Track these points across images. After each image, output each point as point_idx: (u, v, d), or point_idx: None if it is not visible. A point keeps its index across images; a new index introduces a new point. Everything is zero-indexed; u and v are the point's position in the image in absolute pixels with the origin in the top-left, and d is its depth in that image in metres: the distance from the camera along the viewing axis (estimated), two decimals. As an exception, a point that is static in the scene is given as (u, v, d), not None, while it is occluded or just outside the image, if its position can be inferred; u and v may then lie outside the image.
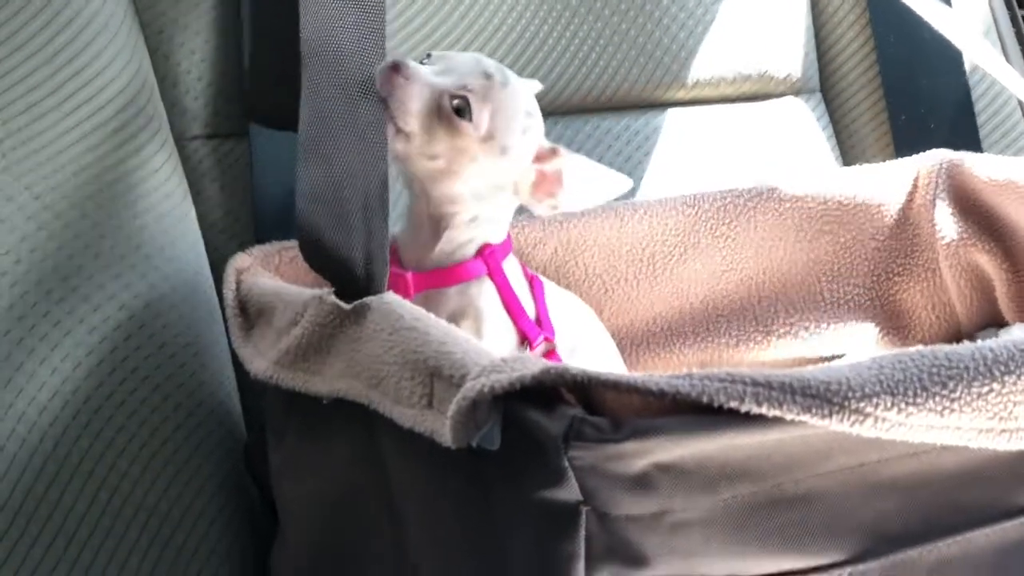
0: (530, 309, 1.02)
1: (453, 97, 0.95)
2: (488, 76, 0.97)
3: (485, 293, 1.02)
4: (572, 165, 1.01)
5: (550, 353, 1.01)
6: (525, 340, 1.00)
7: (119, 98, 1.13)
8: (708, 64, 1.45)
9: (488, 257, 1.01)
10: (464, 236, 1.00)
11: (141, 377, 1.06)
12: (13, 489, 0.98)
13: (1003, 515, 0.73)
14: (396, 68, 0.94)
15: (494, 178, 0.99)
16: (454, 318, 0.97)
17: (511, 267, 1.03)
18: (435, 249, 1.00)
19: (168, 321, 1.09)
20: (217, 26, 1.23)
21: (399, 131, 0.95)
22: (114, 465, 1.03)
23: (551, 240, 1.16)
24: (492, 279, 1.01)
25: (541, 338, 1.01)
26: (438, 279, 0.99)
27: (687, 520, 0.66)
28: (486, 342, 0.96)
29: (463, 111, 0.95)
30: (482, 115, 0.96)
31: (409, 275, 0.98)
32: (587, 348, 1.07)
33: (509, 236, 1.04)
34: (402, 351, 0.76)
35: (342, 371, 0.82)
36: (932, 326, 1.25)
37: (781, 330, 1.24)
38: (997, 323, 1.21)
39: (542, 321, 1.02)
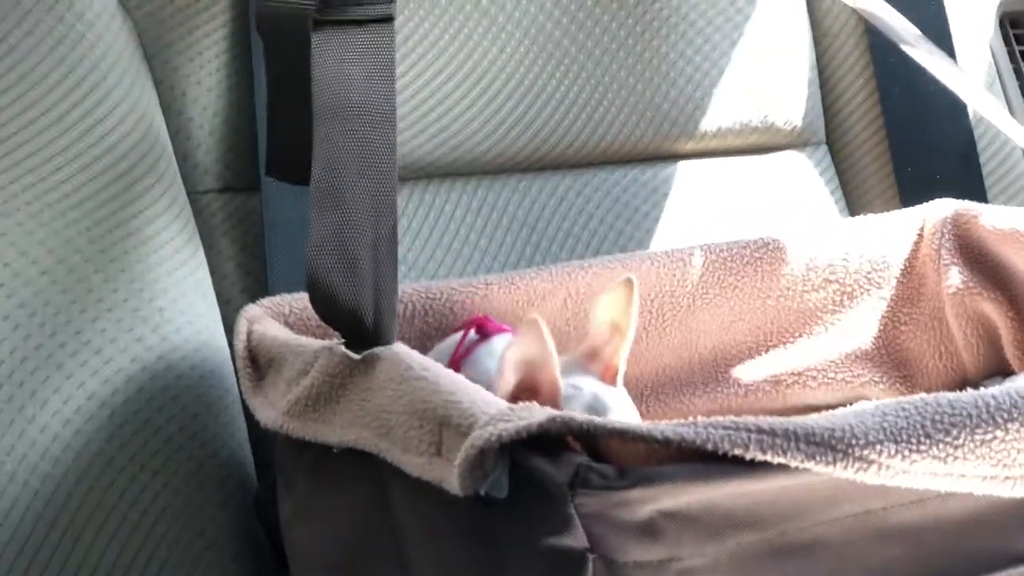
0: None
1: None
2: None
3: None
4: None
5: None
6: None
7: (132, 154, 1.14)
8: (714, 116, 1.46)
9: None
10: None
11: (153, 429, 1.07)
12: (25, 542, 0.99)
13: (1009, 562, 0.73)
14: None
15: None
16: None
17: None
18: None
19: (180, 372, 1.10)
20: (229, 81, 1.25)
21: None
22: (125, 517, 1.04)
23: (560, 291, 1.17)
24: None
25: None
26: None
27: (693, 567, 0.66)
28: None
29: None
30: None
31: None
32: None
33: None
34: (411, 400, 0.77)
35: (352, 420, 0.82)
36: (939, 375, 1.25)
37: (789, 379, 1.24)
38: (1003, 372, 1.21)
39: None
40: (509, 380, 0.90)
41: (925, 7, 1.50)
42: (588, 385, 0.97)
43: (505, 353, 0.91)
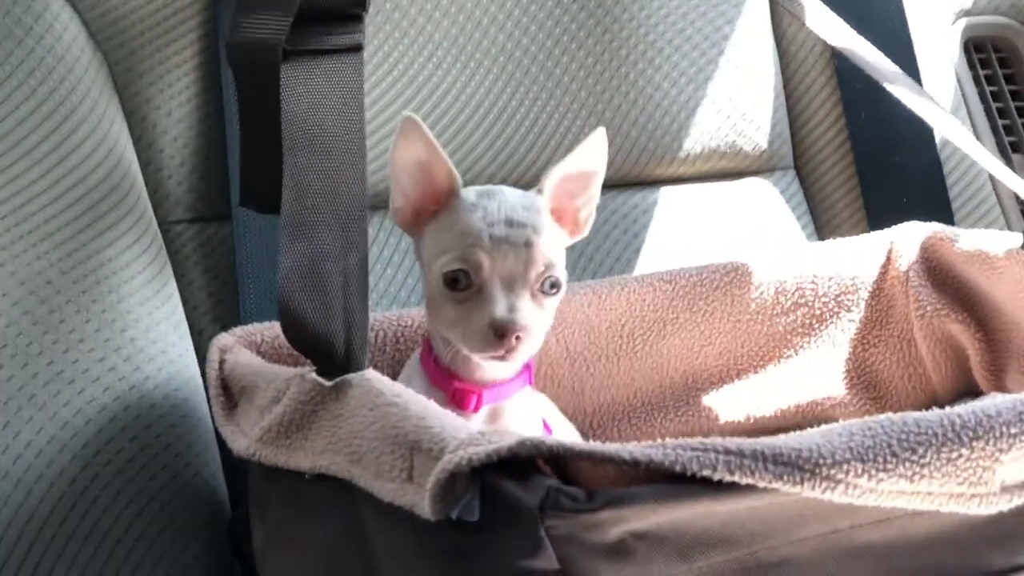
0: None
1: (546, 290, 0.94)
2: (536, 228, 0.94)
3: (541, 401, 1.07)
4: (563, 176, 0.99)
5: None
6: None
7: (103, 185, 1.15)
8: (682, 143, 1.47)
9: (528, 368, 1.01)
10: None
11: (127, 458, 1.07)
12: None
13: (977, 579, 0.74)
14: (507, 336, 0.91)
15: None
16: (521, 428, 0.97)
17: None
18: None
19: (153, 402, 1.10)
20: (199, 112, 1.25)
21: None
22: (99, 546, 1.03)
23: (530, 317, 1.18)
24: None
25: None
26: (501, 392, 0.99)
27: (664, 587, 0.67)
28: None
29: (556, 286, 0.95)
30: (563, 271, 0.95)
31: (484, 391, 0.98)
32: (550, 414, 1.09)
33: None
34: (383, 426, 0.77)
35: (324, 447, 0.83)
36: (908, 395, 1.26)
37: (760, 401, 1.25)
38: (972, 392, 1.22)
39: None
40: (406, 186, 0.96)
41: (890, 33, 1.51)
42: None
43: (391, 158, 0.95)
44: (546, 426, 1.03)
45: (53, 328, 1.06)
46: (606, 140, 0.98)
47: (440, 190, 0.97)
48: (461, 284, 0.93)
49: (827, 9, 1.20)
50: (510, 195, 0.96)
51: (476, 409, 0.97)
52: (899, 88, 1.20)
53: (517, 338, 0.91)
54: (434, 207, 0.97)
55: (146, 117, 1.24)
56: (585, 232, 1.01)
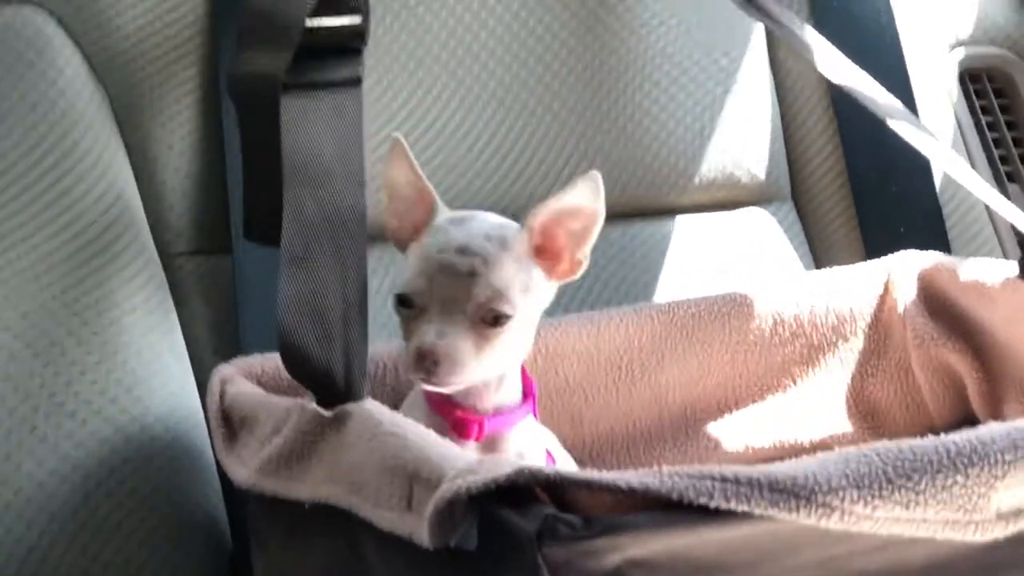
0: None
1: (488, 321, 0.93)
2: (487, 259, 0.94)
3: (543, 432, 1.06)
4: (557, 216, 0.97)
5: None
6: None
7: (104, 218, 1.15)
8: (679, 174, 1.47)
9: (531, 399, 1.02)
10: (516, 382, 1.01)
11: (128, 490, 1.07)
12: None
13: (972, 606, 0.74)
14: (425, 360, 0.91)
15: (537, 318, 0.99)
16: (521, 456, 0.98)
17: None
18: (497, 397, 0.99)
19: (154, 434, 1.10)
20: (200, 145, 1.26)
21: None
22: (100, 577, 1.04)
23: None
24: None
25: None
26: (504, 422, 0.99)
27: (660, 615, 0.67)
28: None
29: (500, 319, 0.93)
30: (513, 306, 0.94)
31: (484, 419, 0.98)
32: (549, 443, 1.09)
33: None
34: (382, 456, 0.78)
35: (324, 477, 0.83)
36: (906, 425, 1.26)
37: (759, 431, 1.25)
38: (969, 421, 1.21)
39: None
40: (397, 206, 0.98)
41: (887, 63, 1.51)
42: None
43: (384, 178, 0.98)
44: (549, 456, 1.04)
45: (55, 360, 1.07)
46: (600, 182, 0.96)
47: (425, 212, 0.98)
48: (406, 308, 0.94)
49: (828, 44, 1.20)
50: (480, 224, 0.96)
51: (478, 438, 0.97)
52: (900, 124, 1.20)
53: (435, 363, 0.91)
54: (421, 228, 0.98)
55: (147, 150, 1.24)
56: (577, 275, 0.99)
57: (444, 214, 0.98)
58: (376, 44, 1.32)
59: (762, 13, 1.22)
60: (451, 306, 0.92)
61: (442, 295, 0.92)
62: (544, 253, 0.98)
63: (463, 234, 0.94)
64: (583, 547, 0.65)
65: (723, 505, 0.63)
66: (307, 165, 0.91)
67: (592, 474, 0.66)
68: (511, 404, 0.99)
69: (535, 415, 1.02)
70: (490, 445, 0.98)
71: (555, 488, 0.68)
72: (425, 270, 0.94)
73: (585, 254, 0.98)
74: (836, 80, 1.17)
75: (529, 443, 1.00)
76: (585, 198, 0.97)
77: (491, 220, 0.98)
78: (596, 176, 0.96)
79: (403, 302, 0.94)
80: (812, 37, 1.18)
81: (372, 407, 0.84)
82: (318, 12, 0.96)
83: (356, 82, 0.96)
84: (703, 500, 0.63)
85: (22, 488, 1.02)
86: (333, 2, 0.97)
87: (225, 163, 1.24)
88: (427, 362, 0.91)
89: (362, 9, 1.00)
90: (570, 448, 1.16)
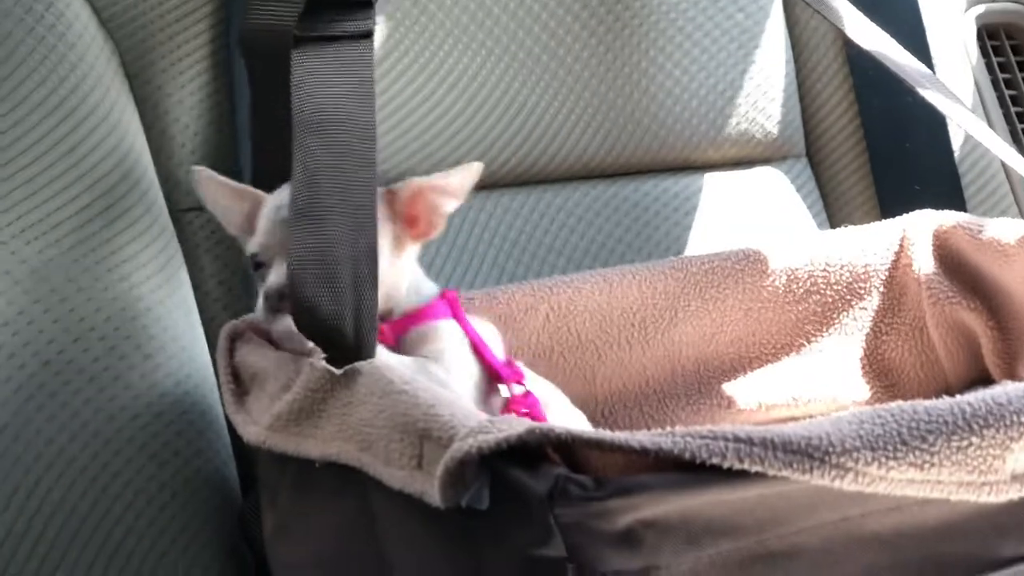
0: (498, 351, 1.05)
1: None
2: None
3: (548, 388, 1.08)
4: (420, 189, 1.03)
5: (526, 395, 1.03)
6: (496, 379, 1.03)
7: (114, 173, 1.15)
8: (694, 131, 1.46)
9: (452, 302, 1.05)
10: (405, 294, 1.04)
11: (137, 446, 1.07)
12: (9, 561, 0.99)
13: (986, 567, 0.74)
14: (271, 299, 0.97)
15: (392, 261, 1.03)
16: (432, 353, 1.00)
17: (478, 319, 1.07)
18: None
19: (164, 390, 1.10)
20: (210, 100, 1.25)
21: None
22: (110, 534, 1.04)
23: (542, 306, 1.18)
24: (456, 320, 1.04)
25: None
26: (408, 322, 1.02)
27: (672, 576, 0.66)
28: (451, 377, 0.98)
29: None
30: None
31: (386, 326, 1.00)
32: (558, 402, 1.09)
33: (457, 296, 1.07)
34: (392, 414, 0.77)
35: (334, 434, 0.83)
36: (920, 384, 1.25)
37: (773, 389, 1.25)
38: (984, 380, 1.22)
39: (511, 364, 1.05)
40: (235, 223, 1.05)
41: (904, 20, 1.51)
42: None
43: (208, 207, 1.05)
44: (484, 349, 1.04)
45: (64, 317, 1.06)
46: (478, 176, 1.03)
47: (254, 205, 1.03)
48: (259, 266, 1.00)
49: (853, 8, 1.20)
50: None
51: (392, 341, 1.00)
52: (911, 74, 1.20)
53: (280, 297, 0.95)
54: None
55: (157, 105, 1.24)
56: (433, 236, 1.05)
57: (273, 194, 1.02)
58: (388, -2, 1.32)
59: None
60: None
61: (283, 243, 0.95)
62: (407, 216, 1.03)
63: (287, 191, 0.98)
64: (595, 508, 0.64)
65: (736, 465, 0.63)
66: (317, 117, 0.90)
67: (604, 434, 0.65)
68: (409, 310, 1.03)
69: (460, 317, 1.05)
70: (402, 347, 1.01)
71: (566, 448, 0.67)
72: (266, 228, 0.99)
73: (441, 223, 1.04)
74: (853, 37, 1.16)
75: (446, 343, 1.02)
76: (459, 185, 1.02)
77: None
78: (477, 168, 1.02)
79: (256, 264, 1.00)
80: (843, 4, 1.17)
81: (382, 364, 0.84)
82: (329, -36, 0.96)
83: (367, 35, 0.95)
84: (716, 460, 0.63)
85: (31, 443, 1.01)
86: (344, -46, 0.97)
87: (235, 119, 1.23)
88: (271, 300, 0.96)
89: (374, -38, 0.99)
90: (582, 405, 1.16)
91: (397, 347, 1.00)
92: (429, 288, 1.07)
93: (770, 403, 1.25)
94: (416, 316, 1.03)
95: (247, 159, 1.15)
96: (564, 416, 1.08)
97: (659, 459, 0.64)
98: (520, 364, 1.07)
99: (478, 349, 1.03)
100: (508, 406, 1.01)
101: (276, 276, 0.96)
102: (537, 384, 1.07)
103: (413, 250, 1.05)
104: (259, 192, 1.03)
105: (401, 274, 1.04)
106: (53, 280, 1.07)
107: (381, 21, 1.31)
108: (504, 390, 1.02)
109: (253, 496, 1.05)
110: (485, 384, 1.03)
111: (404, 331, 1.01)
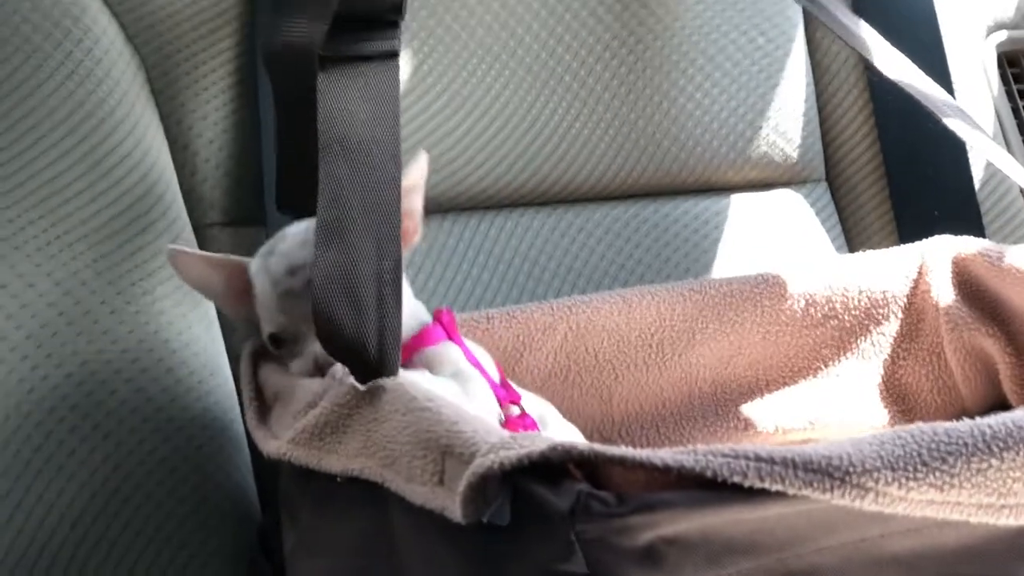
0: (493, 374, 1.05)
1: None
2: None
3: (540, 403, 1.08)
4: None
5: (521, 415, 1.03)
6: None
7: (138, 188, 1.16)
8: (714, 153, 1.47)
9: (448, 326, 1.04)
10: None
11: (159, 459, 1.07)
12: (29, 571, 0.99)
13: (1004, 590, 0.74)
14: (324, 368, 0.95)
15: None
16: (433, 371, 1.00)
17: (470, 342, 1.07)
18: None
19: (185, 404, 1.11)
20: (235, 116, 1.26)
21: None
22: (129, 546, 1.04)
23: (560, 325, 1.18)
24: (454, 342, 1.04)
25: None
26: (411, 347, 1.01)
27: (693, 593, 0.67)
28: (474, 399, 0.98)
29: None
30: None
31: None
32: (553, 418, 1.09)
33: (454, 317, 1.06)
34: (415, 431, 0.78)
35: (357, 450, 0.83)
36: (938, 409, 1.25)
37: (790, 412, 1.25)
38: (1002, 406, 1.21)
39: (506, 386, 1.05)
40: (216, 296, 1.04)
41: (924, 45, 1.51)
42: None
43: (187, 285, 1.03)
44: (481, 371, 1.04)
45: (87, 329, 1.07)
46: (427, 162, 1.03)
47: (239, 276, 1.02)
48: (281, 344, 0.99)
49: (867, 26, 1.20)
50: (289, 239, 1.00)
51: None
52: (932, 100, 1.20)
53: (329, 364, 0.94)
54: (246, 289, 1.02)
55: (181, 120, 1.25)
56: (415, 240, 1.05)
57: (253, 262, 1.01)
58: (412, 18, 1.33)
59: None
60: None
61: (302, 316, 0.95)
62: None
63: (281, 258, 0.99)
64: (616, 524, 0.64)
65: (757, 484, 0.63)
66: (342, 137, 0.91)
67: (626, 451, 0.65)
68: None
69: (456, 340, 1.04)
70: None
71: (588, 464, 0.68)
72: (277, 307, 0.98)
73: (416, 223, 1.05)
74: (875, 63, 1.17)
75: (459, 364, 1.02)
76: (418, 178, 1.03)
77: (295, 228, 1.01)
78: (423, 157, 1.03)
79: (277, 341, 0.99)
80: (850, 19, 1.18)
81: (405, 382, 0.84)
82: (355, -16, 0.97)
83: (392, 55, 0.96)
84: (737, 479, 0.63)
85: (53, 455, 1.02)
86: (370, -26, 0.97)
87: (259, 134, 1.24)
88: (324, 366, 0.94)
89: (400, -18, 1.00)
90: (599, 425, 1.16)
91: None
92: (422, 311, 1.06)
93: (787, 426, 1.25)
94: (417, 341, 1.03)
95: (271, 175, 1.16)
96: (561, 432, 1.09)
97: (680, 476, 0.64)
98: (513, 384, 1.08)
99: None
100: (505, 428, 1.01)
101: (315, 348, 0.95)
102: (531, 402, 1.07)
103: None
104: (236, 259, 1.02)
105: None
106: (76, 293, 1.08)
107: (406, 41, 1.32)
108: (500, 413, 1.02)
109: (273, 512, 1.05)
110: None
111: (408, 357, 1.01)
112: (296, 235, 1.00)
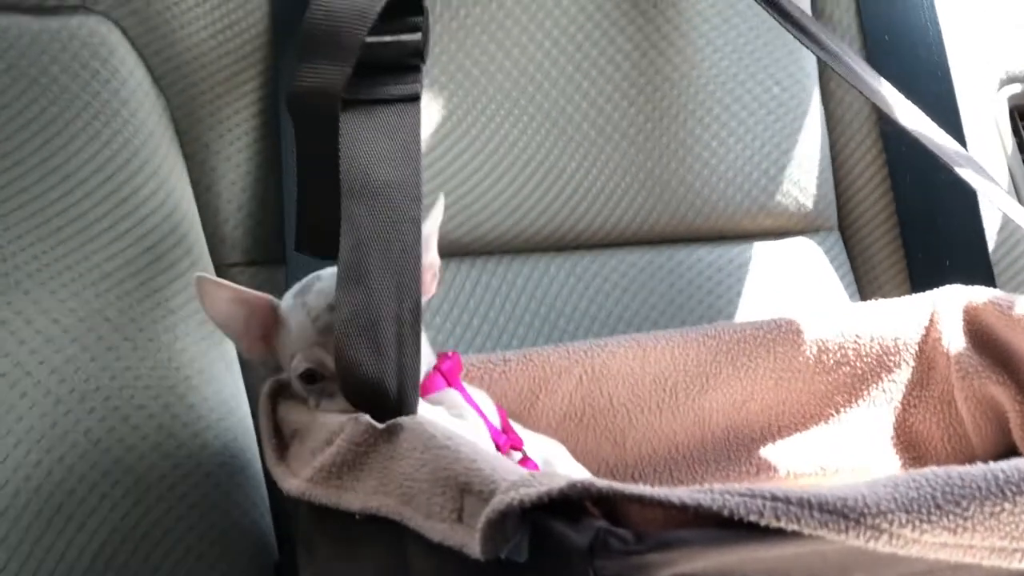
0: (494, 419, 1.05)
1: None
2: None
3: (550, 445, 1.09)
4: None
5: (523, 460, 1.04)
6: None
7: (162, 227, 1.17)
8: (728, 201, 1.48)
9: (447, 373, 1.04)
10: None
11: (178, 495, 1.08)
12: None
13: (1016, 634, 0.74)
14: None
15: None
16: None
17: (472, 387, 1.07)
18: None
19: (204, 441, 1.11)
20: (258, 158, 1.28)
21: None
22: (149, 582, 1.05)
23: (576, 368, 1.19)
24: (455, 389, 1.04)
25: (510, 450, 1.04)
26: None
27: (709, 630, 0.67)
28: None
29: None
30: None
31: None
32: (561, 457, 1.10)
33: (459, 359, 1.06)
34: (434, 468, 0.78)
35: (375, 488, 0.84)
36: (948, 456, 1.26)
37: (801, 458, 1.25)
38: (1012, 453, 1.22)
39: (507, 431, 1.06)
40: (236, 330, 1.01)
41: (937, 97, 1.52)
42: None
43: (209, 316, 1.01)
44: (482, 416, 1.04)
45: (110, 365, 1.08)
46: (443, 206, 1.03)
47: (264, 313, 1.01)
48: (316, 378, 0.98)
49: (890, 86, 1.21)
50: (326, 279, 0.99)
51: None
52: (944, 152, 1.21)
53: None
54: (271, 327, 1.01)
55: (205, 161, 1.26)
56: (432, 291, 1.05)
57: (284, 299, 1.01)
58: (433, 63, 1.34)
59: (820, 47, 1.23)
60: None
61: None
62: None
63: (321, 295, 0.98)
64: (634, 561, 0.65)
65: (773, 523, 0.64)
66: (364, 180, 0.92)
67: (645, 489, 0.66)
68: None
69: (457, 387, 1.04)
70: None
71: (607, 502, 0.69)
72: (316, 341, 0.97)
73: (435, 272, 1.05)
74: (890, 113, 1.18)
75: (462, 408, 1.02)
76: (428, 228, 1.02)
77: (332, 269, 1.00)
78: (439, 200, 1.04)
79: (312, 377, 0.98)
80: (864, 70, 1.19)
81: (424, 420, 0.85)
82: (378, 29, 0.98)
83: (414, 99, 0.98)
84: (754, 518, 0.64)
85: (75, 490, 1.03)
86: (393, 20, 0.99)
87: (281, 176, 1.25)
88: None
89: (421, 27, 1.01)
90: (612, 467, 1.17)
91: None
92: (433, 357, 1.06)
93: (799, 471, 1.25)
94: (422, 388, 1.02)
95: (293, 216, 1.17)
96: (569, 470, 1.09)
97: (698, 515, 0.65)
98: (520, 427, 1.08)
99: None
100: None
101: None
102: (538, 442, 1.08)
103: None
104: (263, 296, 1.01)
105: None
106: (100, 329, 1.09)
107: (426, 86, 1.33)
108: None
109: (290, 550, 1.06)
110: None
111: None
112: (329, 276, 1.00)
